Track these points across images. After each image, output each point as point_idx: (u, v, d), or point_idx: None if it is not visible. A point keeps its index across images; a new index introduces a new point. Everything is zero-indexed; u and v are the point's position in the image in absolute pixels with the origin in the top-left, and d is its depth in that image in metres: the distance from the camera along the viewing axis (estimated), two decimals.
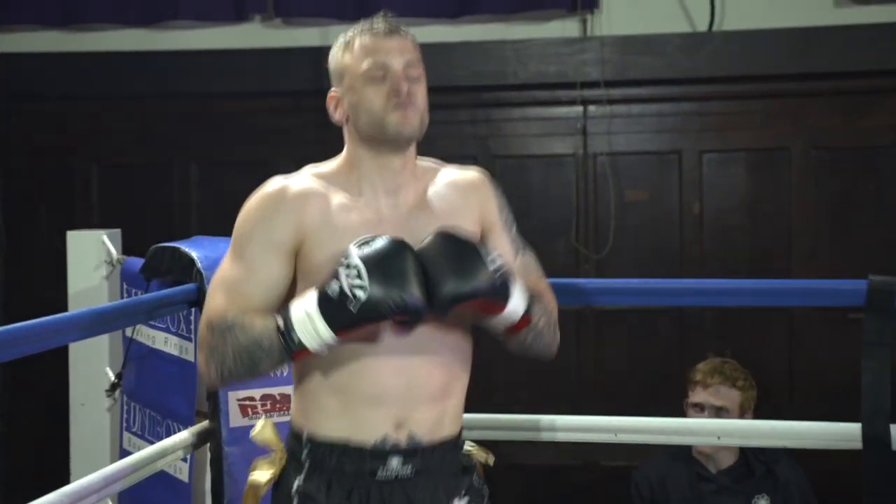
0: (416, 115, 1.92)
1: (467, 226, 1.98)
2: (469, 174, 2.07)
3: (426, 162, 2.06)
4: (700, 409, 3.23)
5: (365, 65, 1.92)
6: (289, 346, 1.81)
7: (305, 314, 1.79)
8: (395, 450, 1.91)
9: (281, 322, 1.82)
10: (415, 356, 1.90)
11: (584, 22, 4.45)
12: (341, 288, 1.77)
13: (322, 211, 1.92)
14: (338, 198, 1.94)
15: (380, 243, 1.80)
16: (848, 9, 4.32)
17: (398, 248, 1.80)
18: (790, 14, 4.34)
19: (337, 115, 1.98)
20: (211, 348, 1.88)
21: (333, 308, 1.77)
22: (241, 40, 4.60)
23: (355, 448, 1.91)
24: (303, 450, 1.95)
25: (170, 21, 4.59)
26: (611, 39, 4.40)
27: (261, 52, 4.57)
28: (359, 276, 1.76)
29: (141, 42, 4.63)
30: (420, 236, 1.89)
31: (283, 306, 1.86)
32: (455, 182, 2.03)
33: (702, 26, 4.40)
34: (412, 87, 1.92)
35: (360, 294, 1.75)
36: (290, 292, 1.94)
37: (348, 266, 1.77)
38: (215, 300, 1.92)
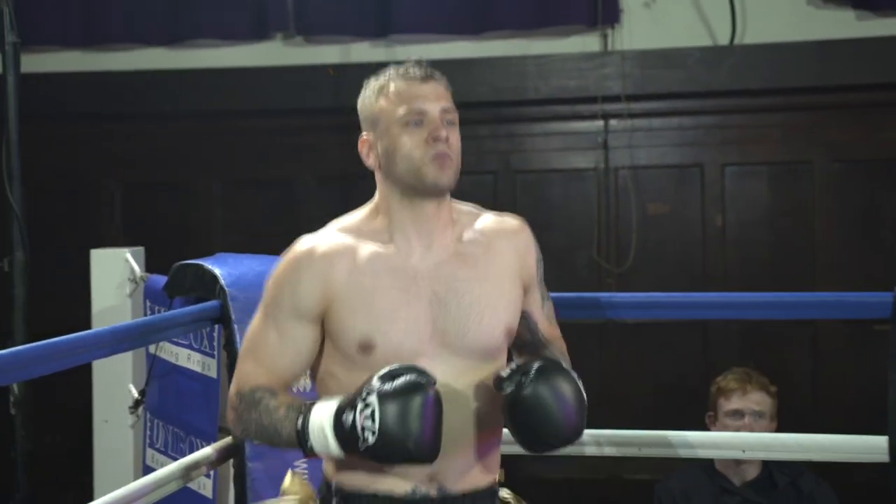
0: (453, 164, 1.89)
1: (505, 278, 1.96)
2: (509, 223, 2.02)
3: (464, 206, 2.02)
4: (739, 416, 3.21)
5: (401, 110, 1.89)
6: (303, 446, 1.83)
7: (321, 428, 1.79)
8: (426, 501, 1.89)
9: (300, 424, 1.81)
10: (449, 404, 1.84)
11: (604, 37, 4.46)
12: (354, 424, 1.76)
13: (351, 270, 1.90)
14: (369, 252, 1.91)
15: (402, 381, 1.76)
16: (869, 21, 4.31)
17: (420, 389, 1.76)
18: (811, 27, 4.33)
19: (370, 160, 1.95)
20: (238, 414, 1.91)
21: (345, 436, 1.77)
22: (262, 58, 4.62)
23: (385, 499, 1.89)
24: (333, 499, 1.94)
25: (192, 40, 4.62)
26: (631, 54, 4.40)
27: (282, 70, 4.59)
28: (372, 418, 1.74)
29: (163, 61, 4.66)
30: (458, 293, 1.90)
31: (306, 406, 1.84)
32: (494, 231, 1.99)
33: (723, 40, 4.39)
34: (449, 132, 1.89)
35: (370, 438, 1.74)
36: (323, 349, 1.94)
37: (366, 404, 1.75)
38: (245, 366, 1.94)
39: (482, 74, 4.43)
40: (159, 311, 3.04)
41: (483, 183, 4.45)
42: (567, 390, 1.85)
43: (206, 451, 2.54)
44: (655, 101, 4.45)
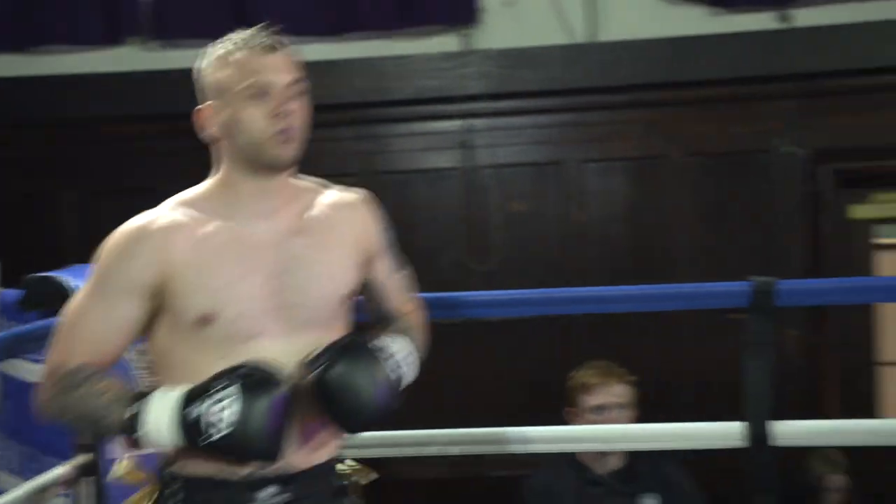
0: (297, 139, 1.85)
1: (346, 249, 1.95)
2: (350, 196, 2.02)
3: (307, 182, 2.00)
4: (602, 410, 3.23)
5: (245, 82, 1.83)
6: (130, 435, 1.79)
7: (159, 418, 1.75)
8: (267, 480, 1.86)
9: (132, 411, 1.77)
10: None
11: (465, 36, 4.48)
12: (199, 419, 1.73)
13: (190, 244, 1.84)
14: (209, 226, 1.86)
15: (255, 378, 1.75)
16: (722, 17, 4.41)
17: (271, 386, 1.75)
18: (667, 24, 4.42)
19: (209, 131, 1.89)
20: (55, 393, 1.84)
21: (187, 430, 1.74)
22: (118, 63, 4.53)
23: (222, 483, 1.85)
24: (172, 484, 1.90)
25: (41, 46, 4.50)
26: (492, 53, 4.44)
27: (139, 75, 4.50)
28: (221, 414, 1.72)
29: (12, 68, 4.52)
30: (298, 261, 1.88)
31: (137, 394, 1.79)
32: (335, 204, 1.98)
33: (580, 38, 4.45)
34: (295, 106, 1.85)
35: (217, 434, 1.72)
36: (154, 322, 1.88)
37: (217, 399, 1.73)
38: (66, 342, 1.86)
39: (343, 76, 4.41)
40: (14, 327, 2.94)
41: (346, 185, 4.42)
42: (364, 371, 1.84)
43: (61, 469, 2.47)
44: (516, 100, 4.49)
